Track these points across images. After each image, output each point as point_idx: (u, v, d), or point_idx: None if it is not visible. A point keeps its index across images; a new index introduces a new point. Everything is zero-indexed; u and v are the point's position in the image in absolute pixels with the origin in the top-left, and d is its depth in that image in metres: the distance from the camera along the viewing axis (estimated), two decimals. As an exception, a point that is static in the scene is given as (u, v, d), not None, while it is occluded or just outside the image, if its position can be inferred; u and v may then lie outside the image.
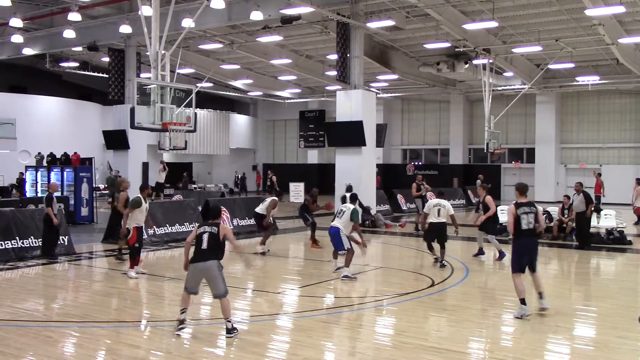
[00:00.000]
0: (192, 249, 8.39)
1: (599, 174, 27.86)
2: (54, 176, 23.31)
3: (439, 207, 13.75)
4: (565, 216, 18.55)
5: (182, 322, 8.29)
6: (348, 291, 11.53)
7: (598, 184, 26.88)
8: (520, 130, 39.31)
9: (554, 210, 19.21)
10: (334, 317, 9.41)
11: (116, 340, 8.19)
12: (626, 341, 8.28)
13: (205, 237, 8.28)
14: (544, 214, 18.89)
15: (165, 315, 9.66)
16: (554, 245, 17.71)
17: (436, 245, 13.94)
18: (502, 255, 14.67)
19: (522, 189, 9.87)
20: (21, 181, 27.40)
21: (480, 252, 15.34)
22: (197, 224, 8.79)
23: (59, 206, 18.36)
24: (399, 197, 29.12)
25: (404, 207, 28.77)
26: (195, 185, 37.62)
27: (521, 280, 9.43)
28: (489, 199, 14.96)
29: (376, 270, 13.86)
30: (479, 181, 29.77)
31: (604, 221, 18.55)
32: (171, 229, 17.92)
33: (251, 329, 8.86)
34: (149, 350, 7.79)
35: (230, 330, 8.15)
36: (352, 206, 12.64)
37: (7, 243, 14.24)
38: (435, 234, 13.80)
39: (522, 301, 9.28)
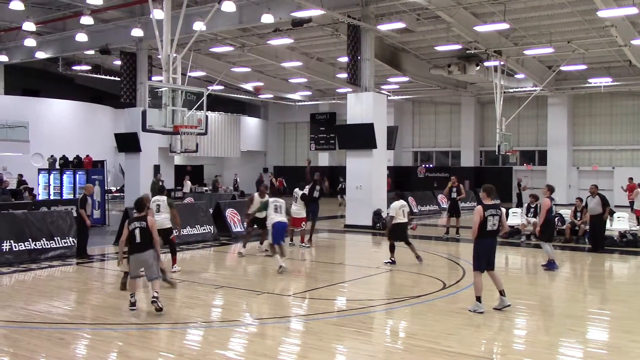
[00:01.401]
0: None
1: (631, 178, 27.16)
2: (67, 179, 23.43)
3: (403, 208, 14.24)
4: (578, 219, 18.42)
5: (133, 304, 9.71)
6: (359, 294, 11.50)
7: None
8: (532, 132, 39.14)
9: (567, 212, 19.09)
10: (345, 320, 9.38)
11: (127, 342, 8.21)
12: (639, 344, 8.20)
13: (137, 232, 9.50)
14: (556, 217, 18.96)
15: (178, 317, 9.68)
16: (566, 248, 17.61)
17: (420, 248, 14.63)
18: (551, 265, 13.98)
19: (489, 191, 10.08)
20: (21, 183, 27.54)
21: (552, 264, 14.12)
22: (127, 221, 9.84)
23: (70, 208, 18.53)
24: (410, 199, 29.01)
25: (415, 210, 28.67)
26: (206, 188, 37.60)
27: (481, 279, 9.88)
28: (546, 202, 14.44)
29: (387, 273, 13.81)
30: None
31: (617, 224, 18.41)
32: (183, 231, 17.94)
33: (262, 331, 8.86)
34: (160, 352, 7.80)
35: (154, 301, 9.45)
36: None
37: (20, 245, 14.33)
38: (400, 233, 14.32)
39: (478, 299, 9.78)
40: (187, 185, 34.05)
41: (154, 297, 9.47)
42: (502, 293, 9.95)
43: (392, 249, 14.38)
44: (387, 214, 15.73)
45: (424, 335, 8.50)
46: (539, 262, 15.82)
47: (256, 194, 15.72)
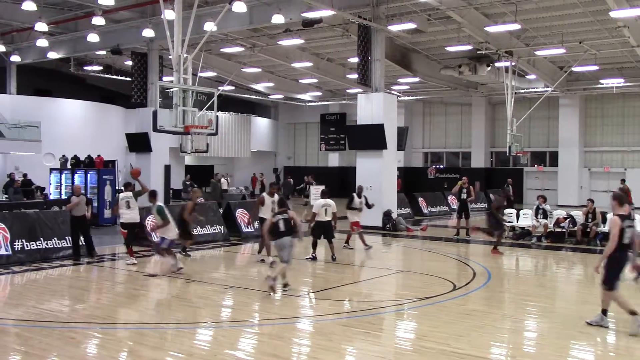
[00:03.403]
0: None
1: (623, 180, 27.28)
2: (78, 178, 23.56)
3: (326, 207, 14.86)
4: (589, 221, 18.32)
5: (284, 285, 11.44)
6: (369, 295, 11.49)
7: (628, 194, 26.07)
8: (543, 133, 38.94)
9: (578, 214, 18.99)
10: (355, 321, 9.38)
11: (138, 342, 8.24)
12: (652, 348, 8.15)
13: (281, 222, 11.30)
14: (567, 218, 18.87)
15: (189, 317, 9.71)
16: (577, 250, 17.51)
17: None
18: None
19: (620, 199, 9.06)
20: (26, 183, 27.66)
21: None
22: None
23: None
24: (420, 200, 28.97)
25: (425, 211, 28.61)
26: (225, 187, 37.46)
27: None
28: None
29: (397, 274, 13.80)
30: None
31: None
32: (193, 231, 17.95)
33: (272, 332, 8.87)
34: (170, 352, 7.82)
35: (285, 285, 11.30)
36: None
37: (32, 244, 14.43)
38: (322, 231, 14.98)
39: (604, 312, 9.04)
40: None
41: (270, 275, 11.20)
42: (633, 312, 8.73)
43: (314, 245, 15.12)
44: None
45: (434, 336, 8.48)
46: (549, 264, 15.80)
47: (265, 194, 14.93)
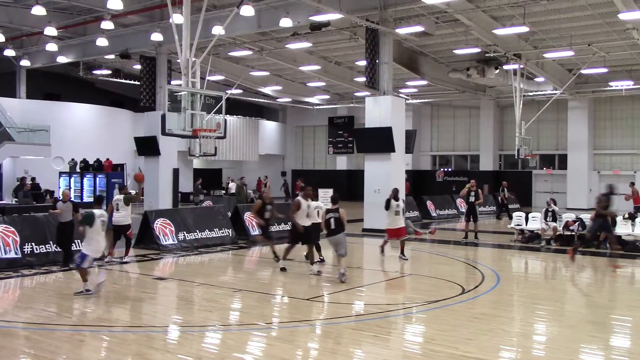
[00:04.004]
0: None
1: (632, 183, 27.11)
2: (87, 182, 23.66)
3: (318, 209, 14.48)
4: (599, 223, 18.17)
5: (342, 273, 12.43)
6: (378, 298, 11.47)
7: (637, 195, 25.86)
8: (552, 136, 38.80)
9: (587, 217, 18.85)
10: (363, 325, 9.36)
11: (147, 345, 8.25)
12: (663, 352, 8.09)
13: (332, 220, 12.48)
14: (576, 221, 18.76)
15: (196, 320, 9.72)
16: (587, 253, 17.40)
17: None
18: None
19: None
20: (34, 186, 27.81)
21: None
22: None
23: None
24: (429, 203, 28.89)
25: (434, 214, 28.53)
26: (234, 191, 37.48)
27: None
28: None
29: (406, 277, 13.76)
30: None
31: None
32: (201, 234, 18.03)
33: (280, 336, 8.86)
34: (179, 355, 7.82)
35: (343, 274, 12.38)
36: None
37: (41, 247, 14.47)
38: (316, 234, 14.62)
39: None
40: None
41: (341, 272, 12.29)
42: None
43: (318, 249, 14.81)
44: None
45: (443, 340, 8.44)
46: (559, 267, 15.70)
47: (301, 198, 14.04)
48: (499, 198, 30.02)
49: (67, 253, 14.15)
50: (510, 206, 29.53)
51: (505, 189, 29.22)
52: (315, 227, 14.09)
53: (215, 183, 38.95)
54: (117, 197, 15.08)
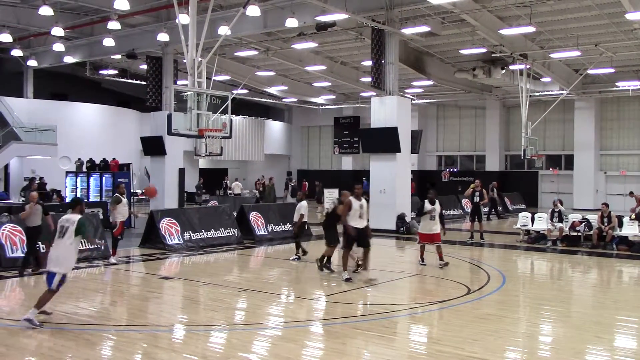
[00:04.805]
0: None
1: (631, 193, 26.89)
2: (93, 181, 23.73)
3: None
4: (605, 224, 18.16)
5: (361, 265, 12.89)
6: (383, 298, 11.47)
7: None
8: (558, 136, 38.67)
9: (594, 218, 18.83)
10: (369, 325, 9.36)
11: (153, 344, 8.28)
12: (669, 353, 8.06)
13: None
14: (582, 222, 18.71)
15: (201, 319, 9.74)
16: (593, 254, 17.36)
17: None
18: None
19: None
20: (41, 186, 27.91)
21: None
22: None
23: (97, 211, 18.78)
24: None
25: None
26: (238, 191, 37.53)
27: None
28: None
29: (411, 278, 13.75)
30: None
31: (646, 230, 18.12)
32: (207, 234, 18.07)
33: (285, 335, 8.87)
34: (184, 354, 7.85)
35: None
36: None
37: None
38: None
39: None
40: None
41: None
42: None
43: (298, 245, 15.67)
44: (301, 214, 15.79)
45: (448, 340, 8.44)
46: (565, 268, 15.67)
47: (352, 198, 12.76)
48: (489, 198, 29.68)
49: (27, 259, 13.50)
50: (499, 207, 29.37)
51: (495, 189, 28.62)
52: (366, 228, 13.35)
53: (218, 183, 38.91)
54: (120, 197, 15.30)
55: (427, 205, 14.55)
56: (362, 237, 12.73)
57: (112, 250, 15.06)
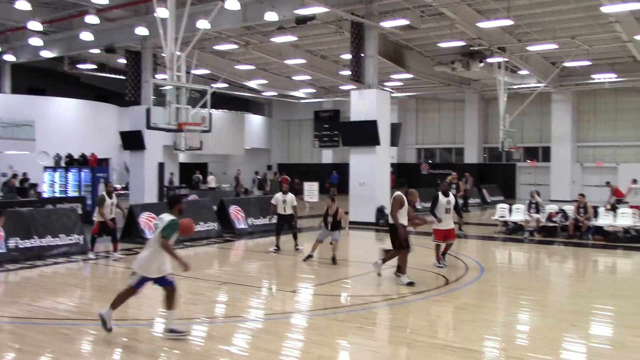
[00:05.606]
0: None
1: (608, 182, 27.35)
2: (72, 176, 23.55)
3: (284, 201, 15.57)
4: (581, 215, 18.43)
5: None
6: (362, 290, 11.55)
7: (616, 190, 26.17)
8: (535, 128, 39.06)
9: (570, 209, 19.09)
10: (348, 316, 9.44)
11: (132, 338, 8.28)
12: (642, 340, 8.24)
13: None
14: (559, 213, 18.97)
15: (181, 313, 9.74)
16: (570, 244, 17.62)
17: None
18: None
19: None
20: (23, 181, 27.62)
21: None
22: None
23: (76, 206, 18.65)
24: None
25: (419, 206, 28.55)
26: (213, 185, 37.44)
27: None
28: None
29: (391, 269, 13.85)
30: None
31: (621, 219, 18.40)
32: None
33: (265, 327, 8.92)
34: (164, 347, 7.86)
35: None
36: None
37: (26, 242, 14.43)
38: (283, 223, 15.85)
39: None
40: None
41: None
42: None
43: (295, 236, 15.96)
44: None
45: (427, 330, 8.55)
46: (542, 258, 15.89)
47: (401, 193, 11.80)
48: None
49: None
50: (471, 200, 29.56)
51: (468, 182, 28.01)
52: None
53: (190, 177, 38.62)
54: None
55: (442, 198, 13.46)
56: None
57: (91, 245, 15.02)
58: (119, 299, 8.20)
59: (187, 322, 8.70)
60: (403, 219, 11.57)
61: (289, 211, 15.78)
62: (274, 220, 17.89)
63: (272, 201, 16.08)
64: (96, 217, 14.70)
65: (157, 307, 10.32)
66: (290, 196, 15.97)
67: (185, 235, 9.17)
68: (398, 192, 11.70)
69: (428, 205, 14.15)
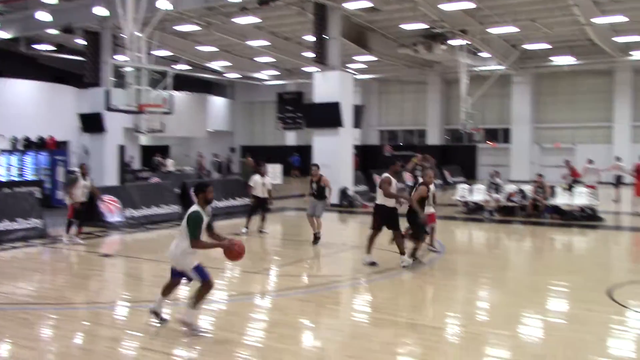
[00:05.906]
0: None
1: (567, 161, 27.90)
2: (29, 160, 23.07)
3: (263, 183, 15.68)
4: (539, 194, 18.82)
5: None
6: (325, 270, 11.64)
7: (573, 170, 26.70)
8: (496, 110, 39.57)
9: (529, 189, 19.49)
10: (311, 296, 9.51)
11: (94, 322, 8.22)
12: (595, 313, 8.49)
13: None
14: (518, 193, 19.34)
15: (144, 296, 9.69)
16: (528, 223, 18.00)
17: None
18: None
19: None
20: None
21: None
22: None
23: (33, 189, 18.30)
24: (376, 177, 29.18)
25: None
26: (172, 168, 37.08)
27: None
28: None
29: (353, 249, 13.98)
30: None
31: (577, 199, 18.86)
32: (148, 211, 17.87)
33: (228, 308, 8.94)
34: (127, 330, 7.82)
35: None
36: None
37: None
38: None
39: None
40: None
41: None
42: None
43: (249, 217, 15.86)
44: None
45: (389, 308, 8.67)
46: (501, 237, 16.21)
47: (389, 175, 11.56)
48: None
49: None
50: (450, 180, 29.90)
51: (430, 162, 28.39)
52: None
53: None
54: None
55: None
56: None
57: (66, 228, 14.47)
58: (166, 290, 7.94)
59: (149, 304, 8.64)
60: (390, 200, 11.35)
61: (266, 194, 15.80)
62: (238, 202, 17.88)
63: (251, 183, 15.91)
64: (68, 200, 14.42)
65: (118, 290, 10.26)
66: (268, 179, 16.00)
67: (233, 261, 8.29)
68: (385, 174, 11.56)
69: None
